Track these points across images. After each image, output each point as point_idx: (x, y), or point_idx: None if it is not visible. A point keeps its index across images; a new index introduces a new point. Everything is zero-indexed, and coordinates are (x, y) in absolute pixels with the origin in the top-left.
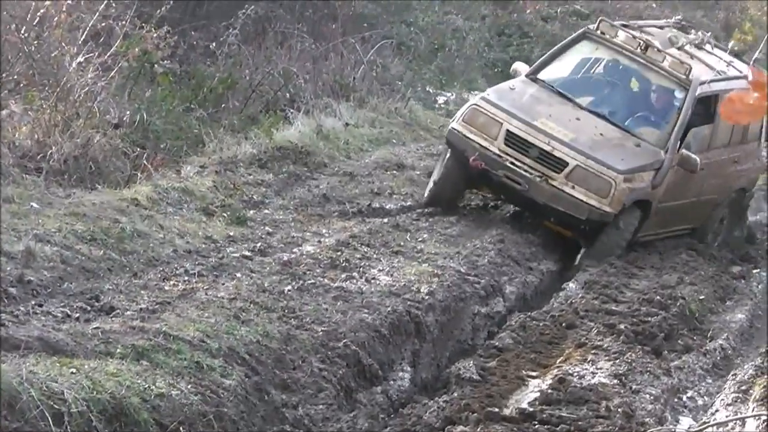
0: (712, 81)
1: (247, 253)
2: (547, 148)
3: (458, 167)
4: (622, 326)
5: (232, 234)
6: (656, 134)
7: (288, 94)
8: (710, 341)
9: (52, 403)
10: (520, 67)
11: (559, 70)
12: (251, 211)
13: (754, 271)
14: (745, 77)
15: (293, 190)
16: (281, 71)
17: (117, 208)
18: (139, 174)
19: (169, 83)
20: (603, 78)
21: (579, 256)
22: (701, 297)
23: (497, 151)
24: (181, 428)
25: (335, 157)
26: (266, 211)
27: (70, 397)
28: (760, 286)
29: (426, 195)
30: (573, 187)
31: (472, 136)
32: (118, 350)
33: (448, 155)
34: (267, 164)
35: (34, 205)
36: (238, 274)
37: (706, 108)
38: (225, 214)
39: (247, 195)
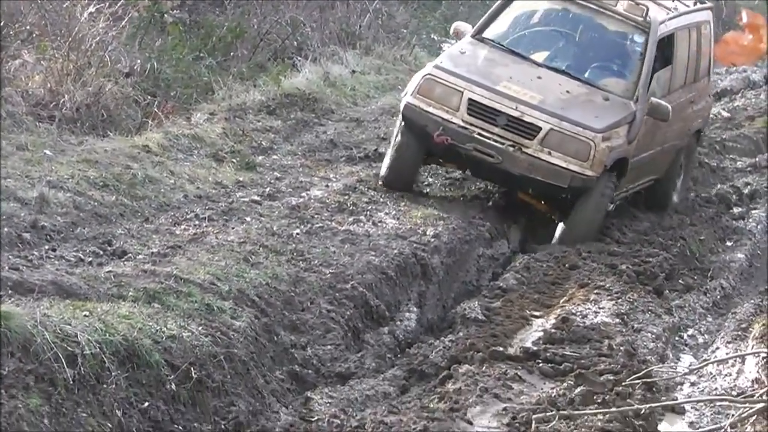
0: (668, 20)
1: (257, 198)
2: (516, 113)
3: (415, 143)
4: (623, 266)
5: (241, 179)
6: (622, 84)
7: (295, 43)
8: (710, 280)
9: (65, 345)
10: (462, 26)
11: (505, 26)
12: (260, 157)
13: (754, 211)
14: (696, 10)
15: (301, 136)
16: (288, 20)
17: (128, 154)
18: (149, 121)
19: (178, 32)
20: (554, 30)
21: (557, 234)
22: (701, 237)
23: (461, 123)
24: (192, 369)
25: (342, 104)
26: (275, 156)
27: (83, 340)
28: (759, 227)
29: (382, 175)
30: (549, 153)
31: (432, 110)
32: (130, 293)
33: (401, 131)
34: (275, 111)
35: (47, 152)
36: (248, 219)
37: (665, 49)
38: (234, 160)
39: (255, 141)
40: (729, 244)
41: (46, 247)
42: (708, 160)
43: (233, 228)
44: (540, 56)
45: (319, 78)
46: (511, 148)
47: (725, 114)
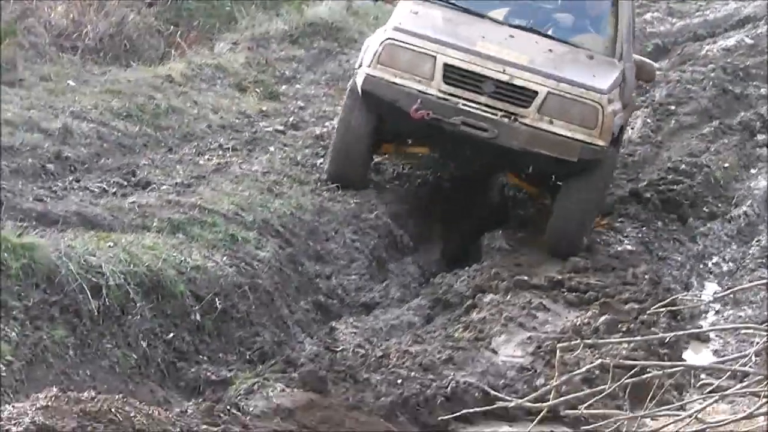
0: None
1: (280, 128)
2: (504, 77)
3: (367, 124)
4: (648, 194)
5: (264, 109)
6: (599, 41)
7: None
8: (735, 208)
9: (90, 276)
10: None
11: None
12: (283, 86)
13: None
14: None
15: (324, 65)
16: None
17: (152, 85)
18: (173, 51)
19: None
20: None
21: (549, 231)
22: (725, 165)
23: (439, 94)
24: (216, 299)
25: (365, 33)
26: (298, 86)
27: (108, 270)
28: None
29: (327, 168)
30: (551, 122)
31: (400, 81)
32: (155, 224)
33: (353, 110)
34: (298, 40)
35: (71, 83)
36: (271, 148)
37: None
38: (258, 90)
39: (279, 70)
40: (753, 171)
41: (70, 178)
42: (732, 88)
43: (257, 158)
44: (498, 14)
45: (341, 7)
46: (506, 119)
47: (748, 41)
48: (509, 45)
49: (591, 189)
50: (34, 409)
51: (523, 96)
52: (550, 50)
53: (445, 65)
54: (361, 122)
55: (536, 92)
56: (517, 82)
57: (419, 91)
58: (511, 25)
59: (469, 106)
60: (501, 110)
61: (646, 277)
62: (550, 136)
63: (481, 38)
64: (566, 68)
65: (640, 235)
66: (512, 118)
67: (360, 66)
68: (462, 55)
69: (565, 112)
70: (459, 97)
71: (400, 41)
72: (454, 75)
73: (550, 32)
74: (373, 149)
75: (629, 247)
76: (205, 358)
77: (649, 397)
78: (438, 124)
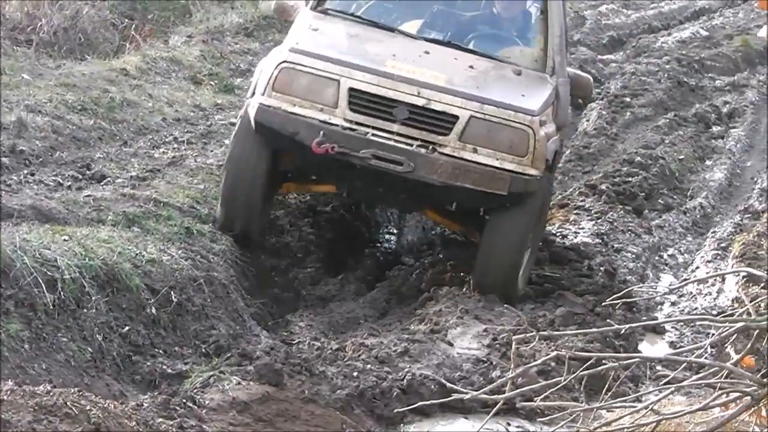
0: None
1: (235, 121)
2: (420, 101)
3: (261, 163)
4: (603, 186)
5: (219, 102)
6: (527, 54)
7: None
8: (690, 200)
9: (45, 270)
10: (287, 2)
11: None
12: (238, 79)
13: (733, 130)
14: None
15: None
16: None
17: (106, 78)
18: (127, 44)
19: None
20: None
21: (475, 271)
22: (681, 157)
23: (344, 124)
24: (172, 293)
25: None
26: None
27: (63, 264)
28: (738, 146)
29: (219, 217)
30: (475, 150)
31: (299, 110)
32: (110, 217)
33: (245, 147)
34: (253, 33)
35: (25, 76)
36: (227, 141)
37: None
38: (213, 83)
39: (234, 63)
40: (708, 163)
41: (25, 171)
42: (687, 79)
43: (212, 151)
44: (411, 27)
45: None
46: (423, 150)
47: (704, 33)
48: (424, 63)
49: (522, 223)
50: None
51: (441, 122)
52: (471, 67)
53: (351, 90)
54: (255, 161)
55: (456, 117)
56: (435, 106)
57: (321, 122)
58: (426, 39)
59: (380, 137)
60: (417, 139)
61: (602, 269)
62: (474, 167)
63: (391, 56)
64: (490, 87)
65: (595, 227)
66: (430, 148)
67: (252, 95)
68: (370, 78)
69: (491, 139)
70: (368, 127)
71: (298, 64)
72: (361, 101)
73: (471, 45)
74: (271, 191)
75: (585, 239)
76: (161, 351)
77: (605, 389)
78: (345, 158)
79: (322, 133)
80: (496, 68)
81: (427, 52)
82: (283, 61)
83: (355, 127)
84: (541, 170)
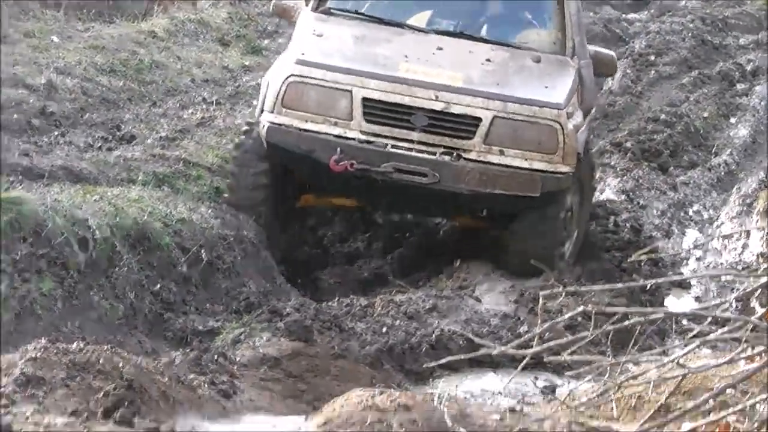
0: None
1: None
2: (438, 105)
3: (276, 187)
4: (628, 144)
5: (247, 63)
6: (544, 36)
7: None
8: (714, 157)
9: (76, 229)
10: (286, 2)
11: None
12: (265, 41)
13: (757, 87)
14: None
15: None
16: None
17: (135, 40)
18: (155, 7)
19: None
20: None
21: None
22: (705, 114)
23: (360, 137)
24: (202, 251)
25: None
26: (280, 40)
27: (94, 224)
28: (762, 103)
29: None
30: (501, 153)
31: (312, 126)
32: (140, 177)
33: (258, 171)
34: None
35: (55, 39)
36: (254, 102)
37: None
38: (240, 44)
39: (261, 25)
40: (732, 120)
41: (56, 132)
42: (711, 38)
43: (240, 111)
44: (420, 20)
45: None
46: (447, 158)
47: None
48: (438, 62)
49: (556, 216)
50: (23, 360)
51: (463, 126)
52: (489, 60)
53: (365, 100)
54: (264, 185)
55: (479, 119)
56: (455, 109)
57: (337, 137)
58: (437, 32)
59: (400, 147)
60: (439, 146)
61: (628, 225)
62: (503, 170)
63: (403, 59)
64: (511, 82)
65: (621, 184)
66: (454, 155)
67: (261, 112)
68: (384, 85)
69: (518, 139)
70: (386, 137)
71: (306, 77)
72: (376, 111)
73: (484, 32)
74: (288, 207)
75: (611, 196)
76: (192, 308)
77: (631, 344)
78: (365, 174)
79: (339, 149)
80: (514, 58)
81: (440, 48)
82: (290, 75)
83: (372, 139)
84: (573, 166)
